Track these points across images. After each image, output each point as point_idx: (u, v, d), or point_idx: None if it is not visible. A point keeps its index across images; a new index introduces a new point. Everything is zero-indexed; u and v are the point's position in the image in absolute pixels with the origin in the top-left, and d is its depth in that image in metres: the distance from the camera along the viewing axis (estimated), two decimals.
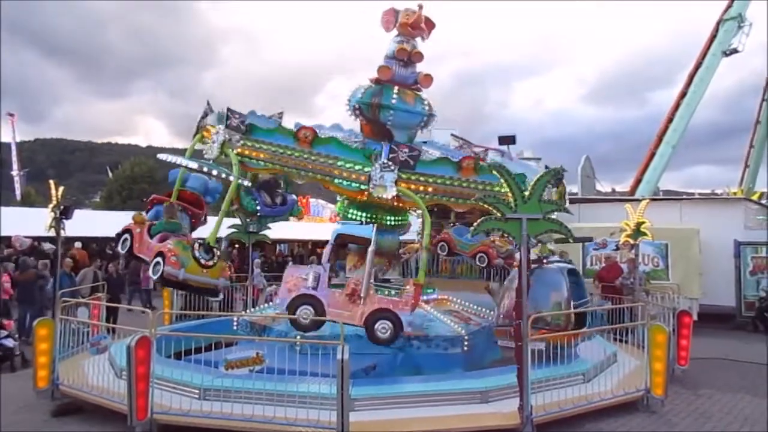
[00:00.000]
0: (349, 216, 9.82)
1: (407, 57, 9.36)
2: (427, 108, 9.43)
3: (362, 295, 7.81)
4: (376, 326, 7.73)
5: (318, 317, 7.76)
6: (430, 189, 8.83)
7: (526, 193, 6.29)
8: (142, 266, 17.36)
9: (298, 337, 7.86)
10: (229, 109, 8.89)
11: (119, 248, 9.22)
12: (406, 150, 8.81)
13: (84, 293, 11.08)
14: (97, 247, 23.24)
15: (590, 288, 12.07)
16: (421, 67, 9.57)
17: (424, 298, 9.75)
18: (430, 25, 9.56)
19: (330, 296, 7.94)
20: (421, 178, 8.80)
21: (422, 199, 8.79)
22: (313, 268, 8.37)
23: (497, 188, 8.09)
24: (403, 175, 8.72)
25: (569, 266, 9.23)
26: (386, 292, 8.23)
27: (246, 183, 10.13)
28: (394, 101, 9.07)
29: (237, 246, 20.43)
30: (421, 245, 9.06)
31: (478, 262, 13.67)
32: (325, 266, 8.15)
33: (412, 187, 8.76)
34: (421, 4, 9.31)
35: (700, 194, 28.02)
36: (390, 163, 8.64)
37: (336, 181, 8.90)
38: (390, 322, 7.71)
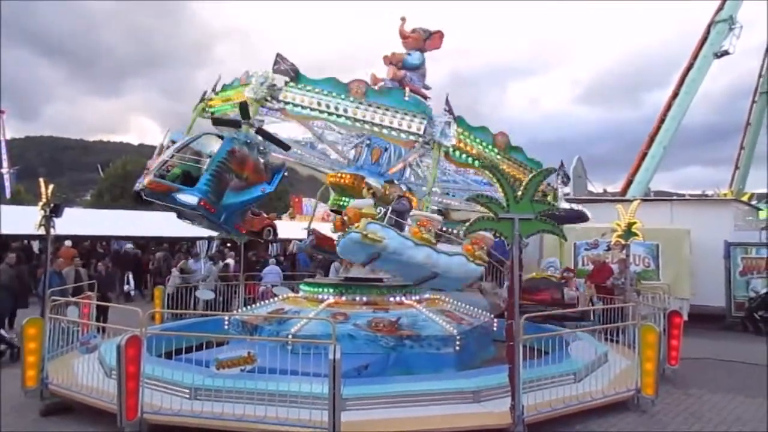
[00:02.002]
0: (341, 204, 9.92)
1: (389, 62, 10.07)
2: None
3: None
4: None
5: None
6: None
7: (519, 193, 6.31)
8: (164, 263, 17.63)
9: (290, 336, 7.88)
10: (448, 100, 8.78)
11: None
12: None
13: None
14: (88, 245, 23.12)
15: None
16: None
17: (416, 297, 9.75)
18: (435, 35, 10.05)
19: None
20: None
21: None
22: None
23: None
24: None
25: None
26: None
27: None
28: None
29: (229, 245, 20.38)
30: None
31: None
32: None
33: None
34: (402, 17, 9.90)
35: (690, 195, 28.22)
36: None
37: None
38: None
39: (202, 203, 7.98)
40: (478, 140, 8.59)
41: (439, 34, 10.03)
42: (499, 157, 8.62)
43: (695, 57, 28.26)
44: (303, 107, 8.60)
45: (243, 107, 8.39)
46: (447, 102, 8.42)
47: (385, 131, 8.35)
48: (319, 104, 8.49)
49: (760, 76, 32.01)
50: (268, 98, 8.77)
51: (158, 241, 23.62)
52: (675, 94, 28.22)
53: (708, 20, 28.50)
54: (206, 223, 9.22)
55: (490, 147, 8.71)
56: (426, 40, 10.07)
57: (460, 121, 8.52)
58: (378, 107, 8.32)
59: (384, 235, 7.59)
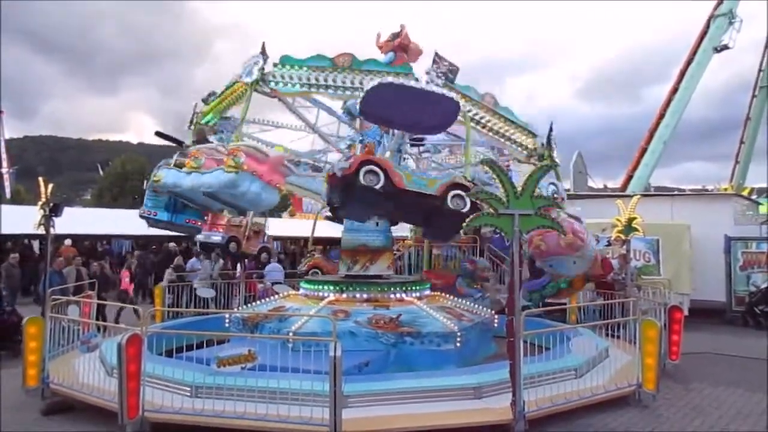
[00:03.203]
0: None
1: None
2: None
3: None
4: None
5: None
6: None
7: (518, 189, 6.30)
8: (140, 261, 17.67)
9: (291, 334, 7.88)
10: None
11: None
12: None
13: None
14: (88, 244, 23.12)
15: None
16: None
17: (416, 294, 9.74)
18: (400, 33, 10.32)
19: None
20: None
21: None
22: None
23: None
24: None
25: None
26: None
27: None
28: None
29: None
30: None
31: None
32: None
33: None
34: (378, 33, 10.48)
35: (690, 190, 28.17)
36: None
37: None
38: None
39: (145, 213, 10.48)
40: (306, 67, 8.90)
41: (405, 31, 10.49)
42: (337, 71, 8.87)
43: (695, 52, 28.18)
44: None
45: (158, 135, 10.96)
46: None
47: (235, 96, 9.61)
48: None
49: (760, 70, 31.86)
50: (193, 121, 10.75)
51: (159, 240, 23.59)
52: (675, 89, 28.14)
53: (708, 14, 28.45)
54: (171, 227, 11.07)
55: (327, 70, 8.90)
56: (395, 41, 10.36)
57: (286, 58, 8.95)
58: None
59: (162, 175, 8.92)
